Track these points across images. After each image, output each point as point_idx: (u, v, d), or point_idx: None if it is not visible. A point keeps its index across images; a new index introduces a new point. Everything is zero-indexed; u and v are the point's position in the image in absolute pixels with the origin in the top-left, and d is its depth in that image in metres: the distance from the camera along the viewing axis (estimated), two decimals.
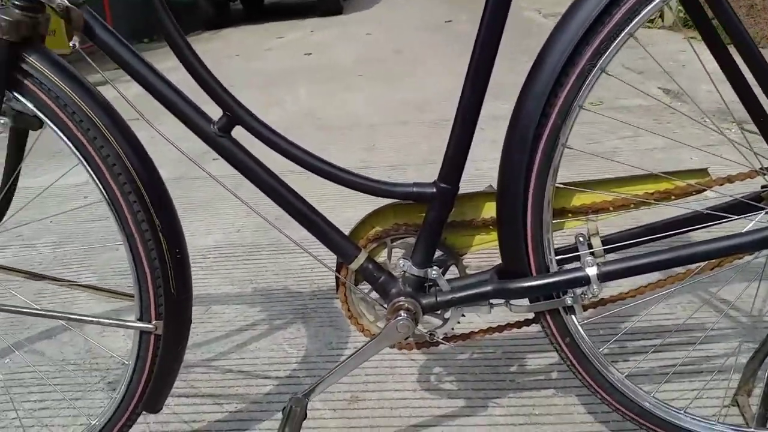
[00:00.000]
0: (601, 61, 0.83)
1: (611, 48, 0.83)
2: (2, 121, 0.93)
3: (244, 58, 5.43)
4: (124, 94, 0.93)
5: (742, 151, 0.90)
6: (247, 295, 1.68)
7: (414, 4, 8.12)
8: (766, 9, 4.20)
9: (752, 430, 1.04)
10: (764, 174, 0.91)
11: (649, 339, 1.36)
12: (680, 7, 0.89)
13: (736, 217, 0.92)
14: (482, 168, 2.28)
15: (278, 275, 1.76)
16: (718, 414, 1.12)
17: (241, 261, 1.87)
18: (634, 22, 0.82)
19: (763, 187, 0.95)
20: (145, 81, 0.92)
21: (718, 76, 0.90)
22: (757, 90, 0.87)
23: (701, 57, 0.90)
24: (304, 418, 0.96)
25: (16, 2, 0.88)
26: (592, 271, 0.89)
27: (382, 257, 1.01)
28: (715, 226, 0.94)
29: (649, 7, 0.81)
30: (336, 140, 2.98)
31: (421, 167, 2.53)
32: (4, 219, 1.10)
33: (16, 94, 0.91)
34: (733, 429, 1.01)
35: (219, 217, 2.16)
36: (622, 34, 0.82)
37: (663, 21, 5.27)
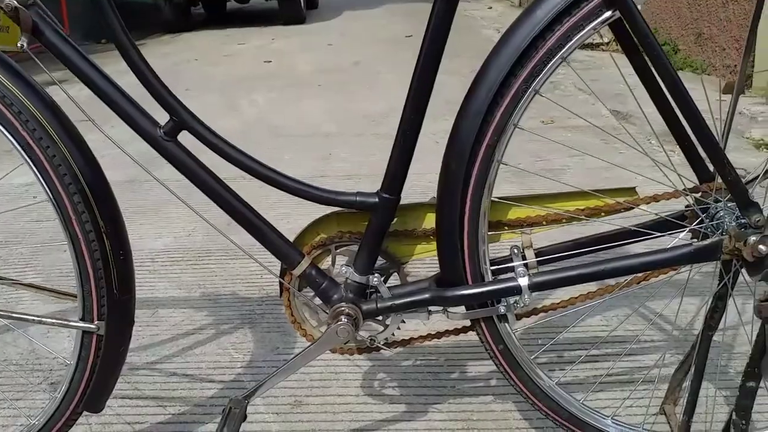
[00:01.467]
0: (534, 83, 0.88)
1: (544, 71, 0.87)
2: None
3: (202, 62, 5.40)
4: (71, 95, 0.94)
5: (665, 172, 0.95)
6: (194, 299, 1.69)
7: (377, 18, 8.20)
8: (712, 38, 4.37)
9: None
10: (687, 194, 0.97)
11: (582, 348, 1.42)
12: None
13: (659, 234, 0.97)
14: (434, 180, 2.32)
15: (227, 280, 1.77)
16: (643, 422, 1.18)
17: (190, 265, 1.87)
18: (566, 48, 0.87)
19: (687, 206, 1.01)
20: (93, 83, 0.93)
21: None
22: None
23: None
24: (244, 420, 0.98)
25: None
26: (523, 282, 0.94)
27: (326, 264, 1.03)
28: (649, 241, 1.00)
29: (580, 35, 0.86)
30: (291, 148, 3.00)
31: (375, 178, 2.56)
32: None
33: None
34: None
35: (170, 220, 2.15)
36: (555, 58, 0.87)
37: (617, 45, 5.43)
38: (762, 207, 0.91)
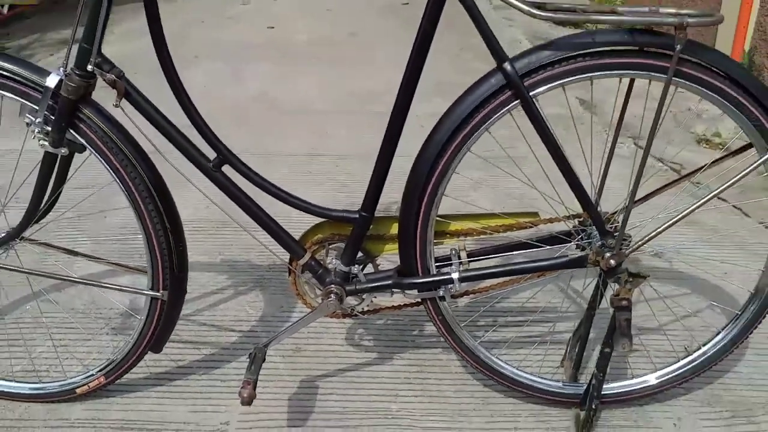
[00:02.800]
0: (467, 142, 1.30)
1: (473, 136, 1.29)
2: (63, 151, 1.34)
3: (208, 24, 5.70)
4: (144, 132, 1.35)
5: (552, 203, 1.39)
6: (216, 264, 2.13)
7: None
8: None
9: (563, 382, 1.56)
10: (569, 220, 1.41)
11: (496, 319, 1.87)
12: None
13: (548, 246, 1.41)
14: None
15: (242, 249, 2.20)
16: (539, 371, 1.62)
17: (210, 235, 2.30)
18: (488, 122, 1.28)
19: (574, 227, 1.44)
20: (164, 129, 1.34)
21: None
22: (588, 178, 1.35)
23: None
24: (263, 361, 1.43)
25: (77, 72, 1.28)
26: (455, 275, 1.38)
27: (320, 256, 1.47)
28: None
29: (499, 114, 1.28)
30: (290, 125, 3.38)
31: (365, 158, 2.97)
32: (47, 220, 1.51)
33: (73, 132, 1.33)
34: (552, 382, 1.53)
35: (189, 196, 2.57)
36: (481, 129, 1.29)
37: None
38: (620, 232, 1.34)
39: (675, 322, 1.84)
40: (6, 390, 1.58)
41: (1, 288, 1.86)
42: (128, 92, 1.31)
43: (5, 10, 6.00)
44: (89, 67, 1.27)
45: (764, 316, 1.45)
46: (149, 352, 1.50)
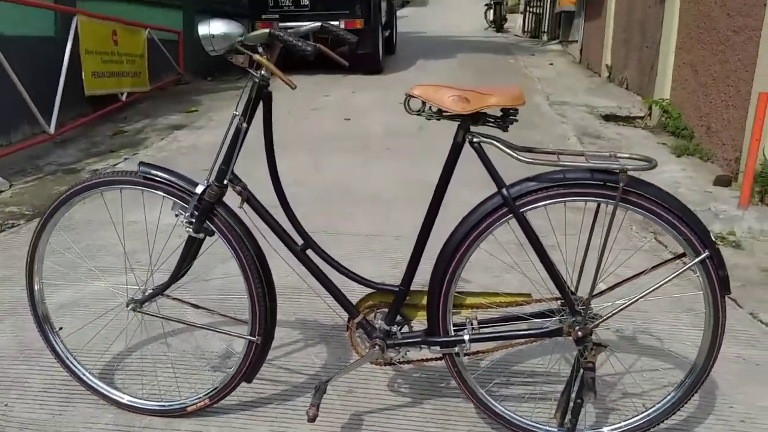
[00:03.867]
0: (477, 242, 1.84)
1: (480, 238, 1.83)
2: (201, 235, 1.95)
3: (294, 115, 6.52)
4: (256, 225, 1.96)
5: (539, 287, 1.90)
6: (291, 322, 2.70)
7: (443, 70, 9.16)
8: (717, 133, 5.14)
9: (555, 427, 2.01)
10: (552, 301, 1.91)
11: (500, 374, 2.35)
12: None
13: (539, 320, 1.91)
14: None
15: (312, 311, 2.77)
16: (532, 415, 2.09)
17: (287, 299, 2.89)
18: (490, 229, 1.82)
19: (561, 304, 1.93)
20: (272, 227, 1.94)
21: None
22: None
23: None
24: (324, 393, 1.96)
25: (216, 184, 1.91)
26: (467, 337, 1.89)
27: (370, 317, 2.02)
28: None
29: (497, 224, 1.81)
30: (359, 209, 4.01)
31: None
32: (180, 281, 2.12)
33: (208, 223, 1.94)
34: (546, 426, 1.99)
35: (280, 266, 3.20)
36: (486, 233, 1.83)
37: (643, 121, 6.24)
38: (585, 312, 1.83)
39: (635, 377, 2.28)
40: (138, 406, 2.17)
41: (144, 329, 2.47)
42: (249, 199, 1.93)
43: (124, 97, 7.02)
44: (225, 181, 1.90)
45: (701, 385, 1.89)
46: (243, 382, 2.06)
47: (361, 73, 8.83)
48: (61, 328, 2.23)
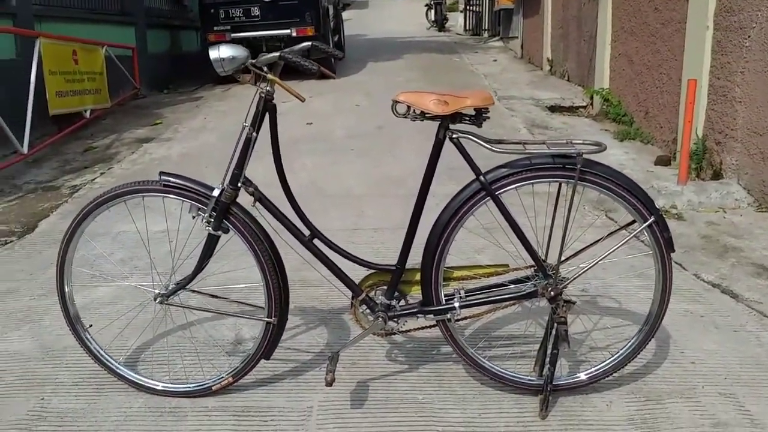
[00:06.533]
0: (461, 222, 2.16)
1: (463, 219, 2.15)
2: (219, 233, 2.23)
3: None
4: (268, 221, 2.24)
5: (517, 258, 2.24)
6: (292, 310, 2.98)
7: (393, 71, 9.50)
8: (655, 117, 5.60)
9: (534, 377, 2.35)
10: (529, 268, 2.25)
11: (486, 334, 2.69)
12: None
13: (515, 286, 2.25)
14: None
15: (308, 299, 3.06)
16: (515, 368, 2.42)
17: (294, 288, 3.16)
18: (472, 210, 2.15)
19: (535, 270, 2.27)
20: (282, 221, 2.23)
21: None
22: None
23: None
24: (338, 360, 2.26)
25: (231, 187, 2.18)
26: (457, 304, 2.22)
27: (371, 294, 2.32)
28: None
29: (477, 206, 2.14)
30: (334, 206, 4.30)
31: (396, 231, 3.86)
32: (200, 277, 2.38)
33: (225, 221, 2.22)
34: (526, 377, 2.33)
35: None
36: (468, 214, 2.15)
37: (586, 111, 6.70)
38: (555, 275, 2.17)
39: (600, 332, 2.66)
40: (169, 389, 2.42)
41: (171, 319, 2.70)
42: (260, 198, 2.21)
43: (88, 114, 7.13)
44: (238, 184, 2.17)
45: (656, 330, 2.25)
46: (262, 359, 2.34)
47: (316, 79, 9.08)
48: (90, 326, 2.47)
